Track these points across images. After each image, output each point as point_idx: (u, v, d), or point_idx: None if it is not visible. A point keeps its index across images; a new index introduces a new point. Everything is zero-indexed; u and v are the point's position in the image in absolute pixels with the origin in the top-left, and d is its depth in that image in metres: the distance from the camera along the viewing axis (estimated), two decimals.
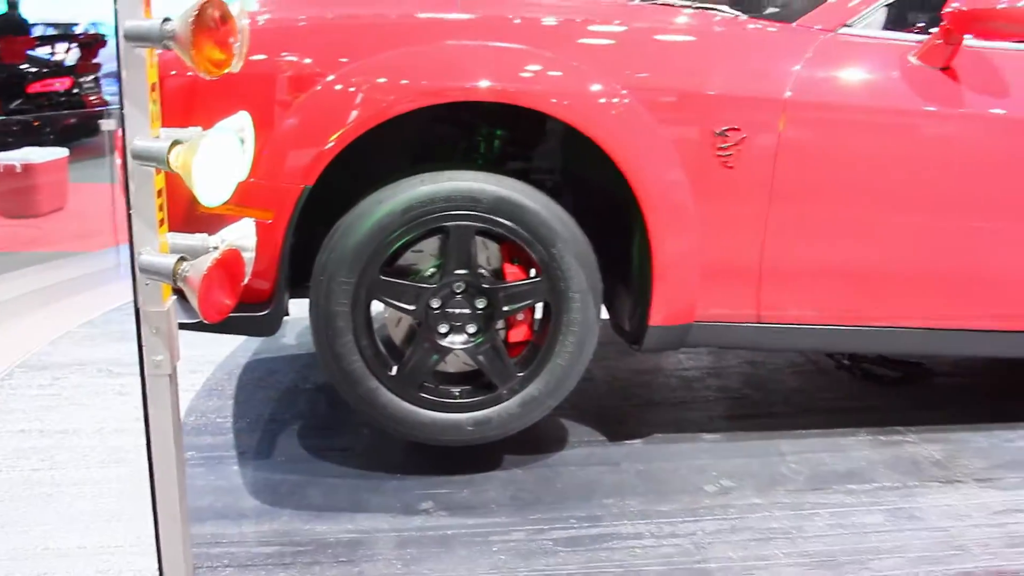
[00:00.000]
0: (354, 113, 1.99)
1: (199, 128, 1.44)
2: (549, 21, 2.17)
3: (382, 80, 2.01)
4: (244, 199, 1.83)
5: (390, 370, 2.18)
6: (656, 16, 2.37)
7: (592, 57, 2.11)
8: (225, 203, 1.44)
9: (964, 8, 2.13)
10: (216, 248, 1.45)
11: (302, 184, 1.99)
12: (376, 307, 2.16)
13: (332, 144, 1.98)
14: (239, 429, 2.48)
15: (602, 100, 2.06)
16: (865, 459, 2.45)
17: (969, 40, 2.21)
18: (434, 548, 1.96)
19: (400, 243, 2.11)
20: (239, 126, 1.54)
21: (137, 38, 1.33)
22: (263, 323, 2.09)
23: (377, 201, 2.07)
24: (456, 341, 2.19)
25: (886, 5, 2.27)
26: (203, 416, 2.58)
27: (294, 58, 2.01)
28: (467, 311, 2.17)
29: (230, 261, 1.40)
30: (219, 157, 1.36)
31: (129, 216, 1.43)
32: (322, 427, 2.54)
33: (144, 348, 1.48)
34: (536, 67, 2.07)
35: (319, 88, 1.99)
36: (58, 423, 2.53)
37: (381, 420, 2.21)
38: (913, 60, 2.23)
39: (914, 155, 2.24)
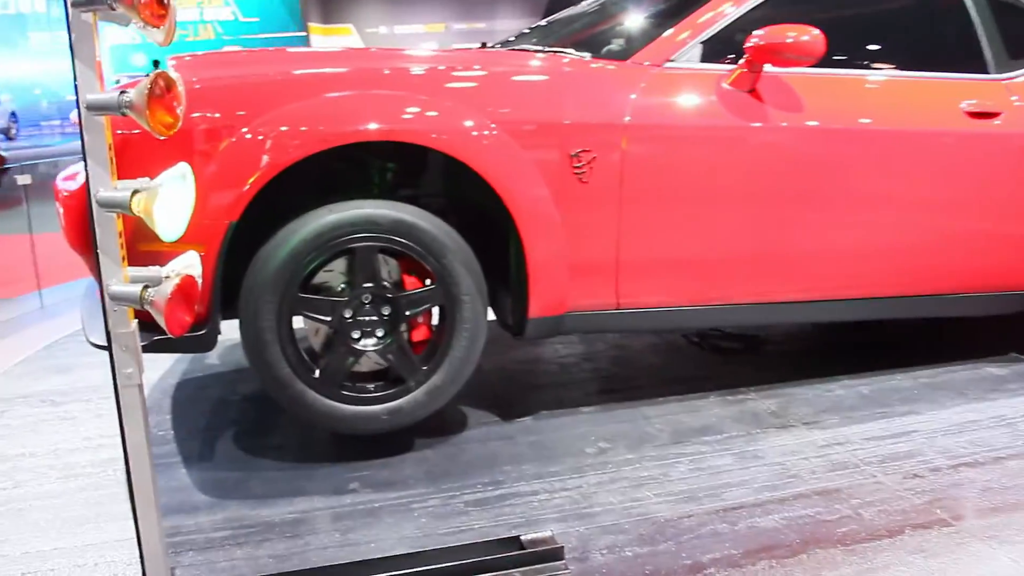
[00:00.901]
0: (265, 159, 2.35)
1: (147, 178, 1.77)
2: (418, 70, 2.57)
3: (285, 129, 2.37)
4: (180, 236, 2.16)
5: (314, 373, 2.54)
6: (513, 60, 2.80)
7: (461, 98, 2.52)
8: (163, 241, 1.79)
9: (762, 42, 2.64)
10: (168, 277, 1.79)
11: (227, 220, 2.34)
12: (298, 321, 2.52)
13: (249, 187, 2.34)
14: (181, 439, 2.79)
15: (474, 133, 2.48)
16: (716, 416, 2.94)
17: (769, 68, 2.73)
18: (365, 519, 2.33)
19: (314, 265, 2.47)
20: (182, 173, 1.88)
21: (98, 108, 1.66)
22: (202, 341, 2.42)
23: (292, 231, 2.43)
24: (368, 344, 2.57)
25: (701, 43, 2.77)
26: None
27: (216, 115, 2.35)
28: (375, 318, 2.55)
29: (187, 285, 1.75)
30: (174, 200, 1.70)
31: (97, 256, 1.75)
32: (255, 430, 2.88)
33: (116, 364, 1.80)
34: (415, 109, 2.46)
35: (234, 139, 2.34)
36: (14, 448, 2.78)
37: (309, 417, 2.57)
38: (726, 86, 2.73)
39: (732, 162, 2.73)
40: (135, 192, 1.69)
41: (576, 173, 2.57)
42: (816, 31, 2.61)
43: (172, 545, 2.21)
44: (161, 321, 1.69)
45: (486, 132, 2.48)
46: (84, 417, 3.02)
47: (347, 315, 2.53)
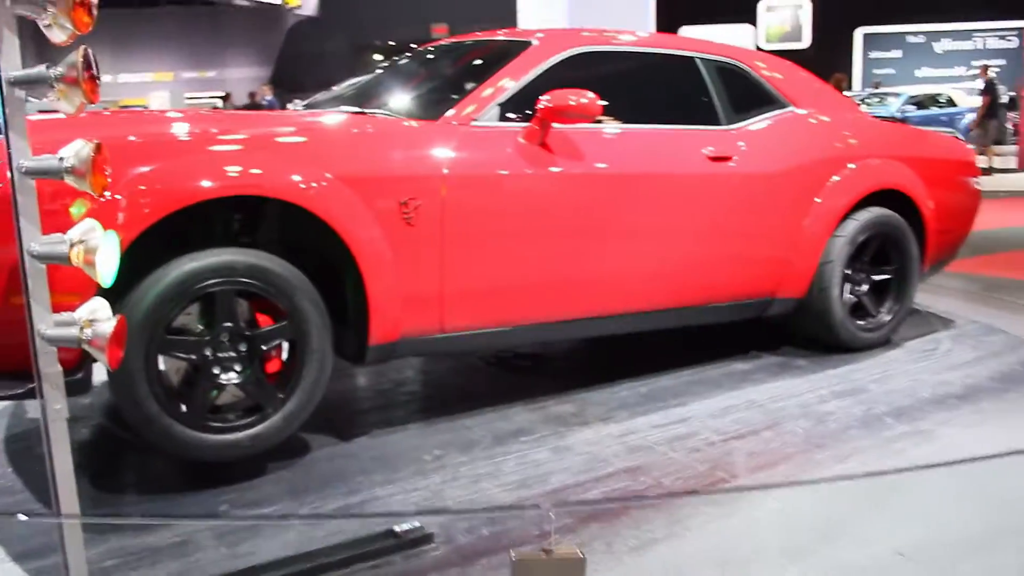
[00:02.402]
0: (125, 217, 2.57)
1: (62, 233, 1.98)
2: (254, 132, 2.89)
3: (143, 188, 2.61)
4: (59, 287, 2.36)
5: (180, 408, 2.76)
6: (342, 121, 3.17)
7: (303, 154, 2.87)
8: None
9: (550, 104, 3.19)
10: (95, 321, 2.02)
11: None
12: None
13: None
14: (32, 487, 2.88)
15: (314, 184, 2.82)
16: (526, 420, 3.42)
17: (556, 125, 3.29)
18: (244, 534, 2.58)
19: (177, 309, 2.71)
20: (93, 227, 2.09)
21: (37, 172, 1.89)
22: (79, 385, 2.59)
23: (157, 279, 2.66)
24: (229, 378, 2.83)
25: (498, 104, 3.28)
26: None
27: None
28: (233, 354, 2.82)
29: (121, 325, 1.99)
30: (108, 249, 1.94)
31: (28, 304, 1.96)
32: (107, 472, 3.02)
33: (46, 400, 2.00)
34: (257, 169, 2.77)
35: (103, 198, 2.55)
36: None
37: (176, 449, 2.78)
38: (521, 140, 3.26)
39: (529, 204, 3.26)
40: (73, 244, 1.91)
41: (404, 217, 2.98)
42: (592, 95, 3.19)
43: None
44: (102, 357, 1.92)
45: (324, 184, 2.84)
46: None
47: (208, 353, 2.78)
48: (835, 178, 4.04)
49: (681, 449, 3.12)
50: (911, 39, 21.14)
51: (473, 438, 3.26)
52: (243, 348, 2.83)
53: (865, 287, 4.28)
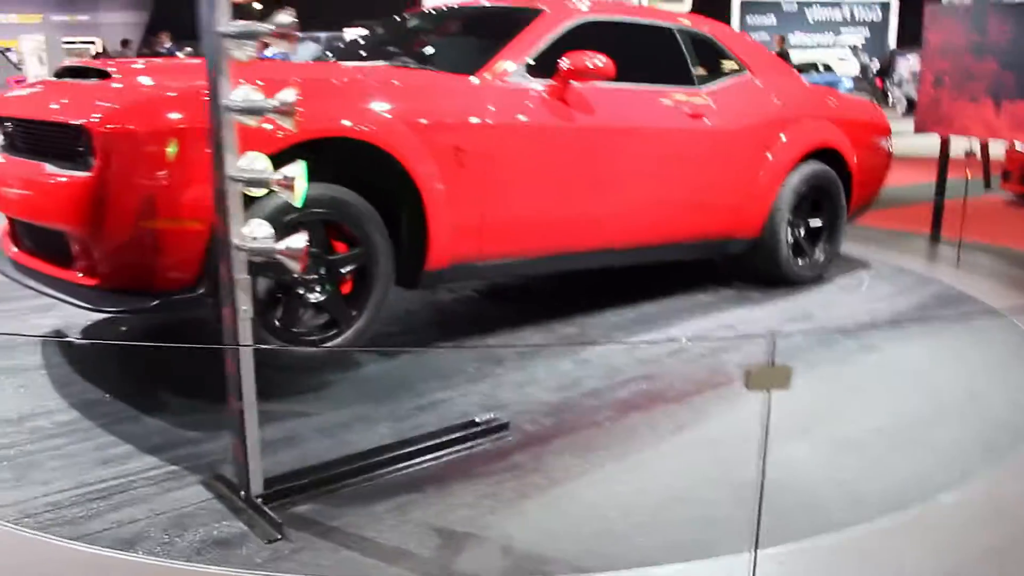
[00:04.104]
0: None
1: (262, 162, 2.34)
2: (344, 82, 3.29)
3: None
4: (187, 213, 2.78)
5: (274, 321, 3.16)
6: (414, 77, 3.60)
7: (376, 102, 3.28)
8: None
9: (568, 66, 3.70)
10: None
11: None
12: None
13: None
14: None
15: (389, 129, 3.24)
16: (540, 339, 3.95)
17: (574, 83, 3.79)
18: (340, 429, 3.02)
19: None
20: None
21: (246, 111, 2.26)
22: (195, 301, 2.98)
23: (260, 208, 3.00)
24: (313, 297, 3.23)
25: (524, 64, 3.76)
26: None
27: None
28: (316, 276, 3.23)
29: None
30: (300, 176, 2.32)
31: (225, 220, 2.34)
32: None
33: (237, 301, 2.40)
34: (354, 114, 3.17)
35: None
36: None
37: (266, 357, 3.17)
38: (545, 96, 3.75)
39: (551, 150, 3.76)
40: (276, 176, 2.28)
41: (457, 158, 3.44)
42: (606, 58, 3.71)
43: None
44: (294, 265, 2.33)
45: (397, 128, 3.27)
46: None
47: (296, 275, 3.18)
48: (783, 136, 4.69)
49: (680, 360, 3.72)
50: (786, 7, 22.36)
51: (500, 355, 3.75)
52: (323, 271, 3.24)
53: (802, 231, 4.97)
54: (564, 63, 3.70)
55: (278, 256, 2.36)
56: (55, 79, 3.55)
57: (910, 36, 21.70)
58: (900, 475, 2.76)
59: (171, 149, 2.84)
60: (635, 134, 4.05)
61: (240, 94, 2.28)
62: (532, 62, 3.80)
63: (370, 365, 3.62)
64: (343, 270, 3.28)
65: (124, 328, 4.09)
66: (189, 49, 15.72)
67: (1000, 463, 2.87)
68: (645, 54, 4.42)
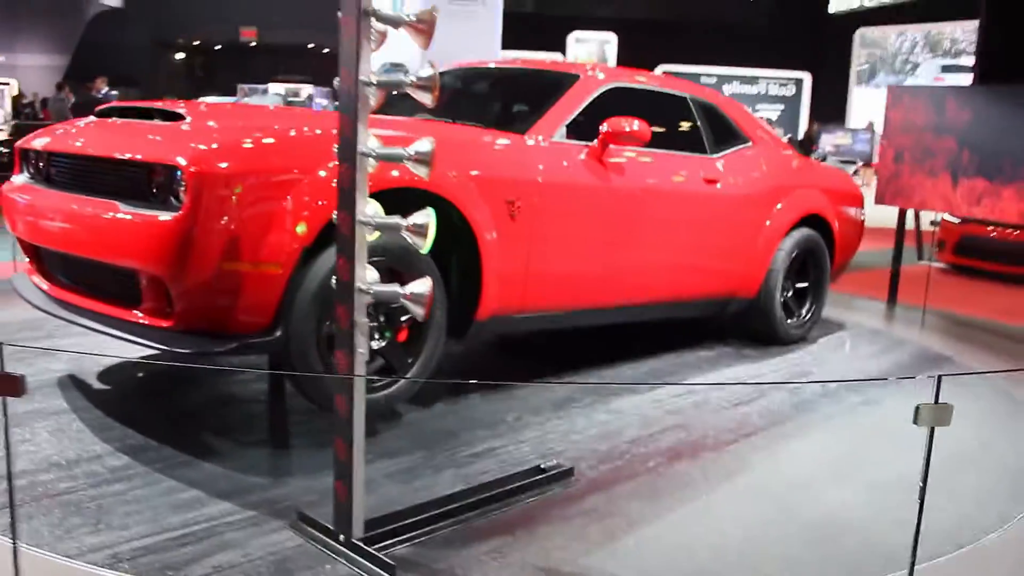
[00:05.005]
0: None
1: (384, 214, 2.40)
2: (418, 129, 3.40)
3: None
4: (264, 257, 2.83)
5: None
6: (471, 132, 3.74)
7: (448, 157, 3.37)
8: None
9: (608, 130, 3.88)
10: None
11: (301, 245, 2.96)
12: None
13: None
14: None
15: (453, 181, 3.34)
16: (567, 391, 4.05)
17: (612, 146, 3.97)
18: (406, 475, 3.06)
19: None
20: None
21: (384, 158, 2.34)
22: (273, 344, 3.00)
23: (330, 255, 3.07)
24: (373, 344, 3.28)
25: (566, 125, 3.93)
26: None
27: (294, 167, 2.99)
28: (376, 324, 3.28)
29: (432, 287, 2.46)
30: (430, 224, 2.39)
31: (351, 264, 2.40)
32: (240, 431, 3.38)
33: (355, 343, 2.44)
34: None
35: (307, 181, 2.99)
36: None
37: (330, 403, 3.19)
38: (583, 156, 3.91)
39: (589, 208, 3.92)
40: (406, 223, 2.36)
41: (510, 213, 3.56)
42: (641, 122, 3.90)
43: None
44: (419, 310, 2.40)
45: (460, 181, 3.38)
46: None
47: None
48: (779, 203, 4.96)
49: (705, 411, 3.88)
50: (704, 79, 23.22)
51: (536, 404, 3.84)
52: (382, 319, 3.30)
53: (790, 292, 5.23)
54: (605, 126, 3.88)
55: (403, 301, 2.43)
56: (104, 118, 3.56)
57: (822, 112, 22.90)
58: (946, 516, 2.95)
59: (260, 193, 2.89)
60: (661, 196, 4.25)
61: (373, 143, 2.37)
62: (569, 124, 3.97)
63: (410, 414, 3.66)
64: (402, 318, 3.34)
65: (141, 374, 4.05)
66: (116, 93, 15.49)
67: None
68: (664, 120, 4.64)
